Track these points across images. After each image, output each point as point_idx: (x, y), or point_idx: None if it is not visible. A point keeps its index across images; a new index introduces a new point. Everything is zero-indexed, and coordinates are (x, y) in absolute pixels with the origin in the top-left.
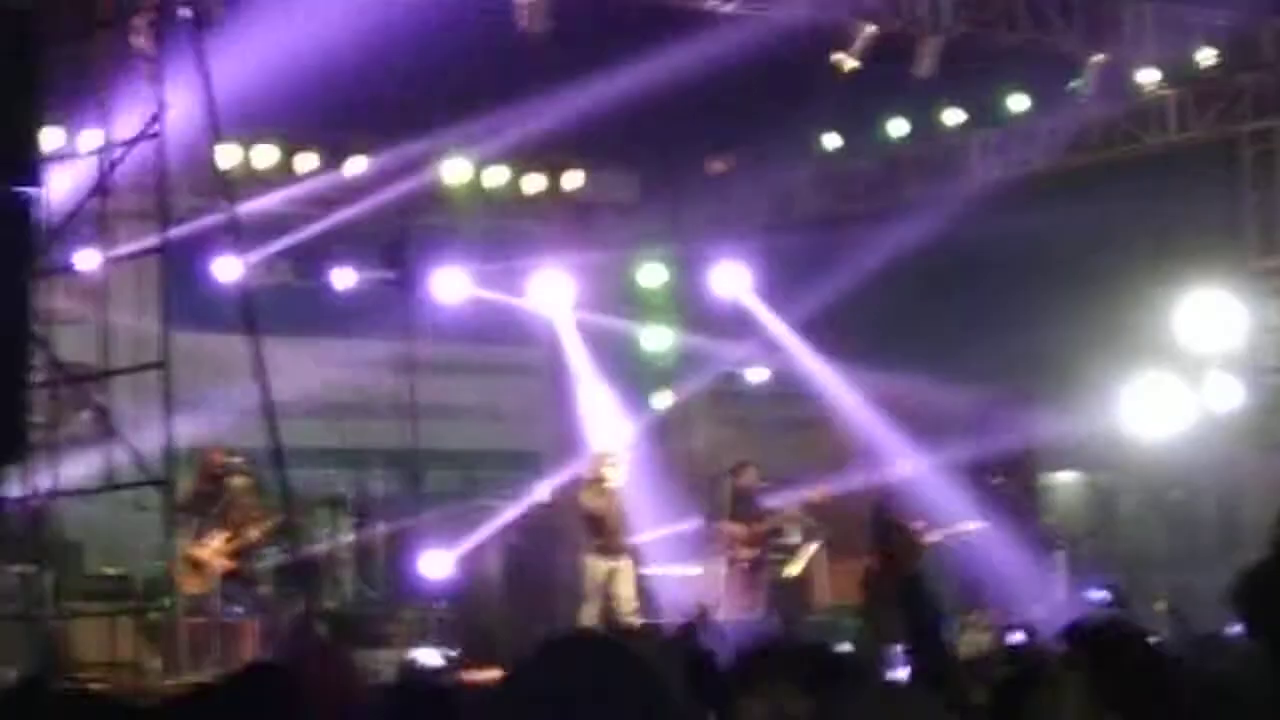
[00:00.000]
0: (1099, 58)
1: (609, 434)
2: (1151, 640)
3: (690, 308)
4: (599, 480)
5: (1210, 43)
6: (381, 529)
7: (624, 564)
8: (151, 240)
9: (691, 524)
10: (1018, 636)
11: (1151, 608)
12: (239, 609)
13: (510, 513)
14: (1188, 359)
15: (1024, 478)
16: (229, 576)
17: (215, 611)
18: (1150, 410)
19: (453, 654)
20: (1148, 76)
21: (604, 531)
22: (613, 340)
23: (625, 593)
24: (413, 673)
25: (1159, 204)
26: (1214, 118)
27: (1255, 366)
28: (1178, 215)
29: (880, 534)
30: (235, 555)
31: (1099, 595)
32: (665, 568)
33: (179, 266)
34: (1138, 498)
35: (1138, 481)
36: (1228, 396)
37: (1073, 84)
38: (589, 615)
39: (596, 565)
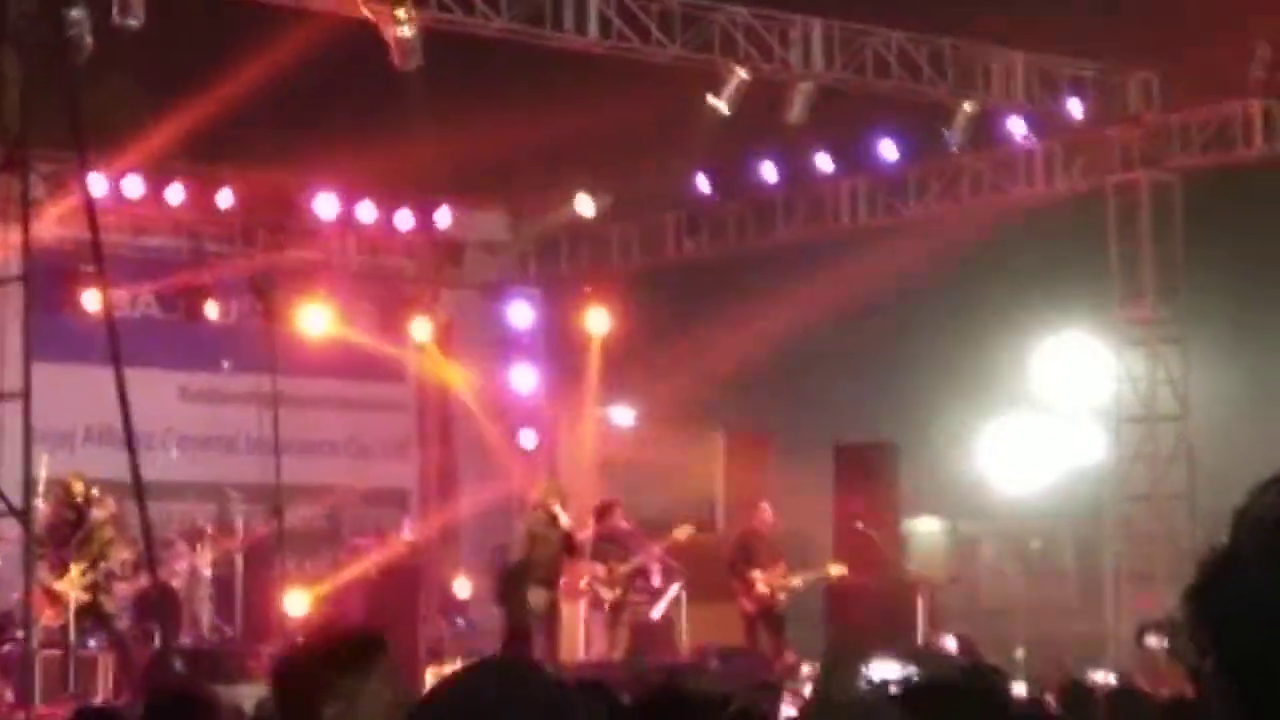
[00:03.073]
0: (969, 106)
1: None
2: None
3: (558, 347)
4: (547, 510)
5: (1078, 94)
6: (241, 563)
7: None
8: (14, 268)
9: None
10: None
11: (1010, 657)
12: (95, 642)
13: (374, 550)
14: (1051, 407)
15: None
16: (86, 609)
17: (71, 644)
18: (1012, 458)
19: None
20: (1016, 126)
21: (542, 562)
22: (480, 377)
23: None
24: (269, 708)
25: (1025, 253)
26: (1081, 169)
27: (1118, 416)
28: (1043, 264)
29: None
30: (92, 588)
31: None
32: None
33: (42, 296)
34: (998, 546)
35: (998, 529)
36: (1090, 446)
37: (943, 132)
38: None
39: (538, 595)
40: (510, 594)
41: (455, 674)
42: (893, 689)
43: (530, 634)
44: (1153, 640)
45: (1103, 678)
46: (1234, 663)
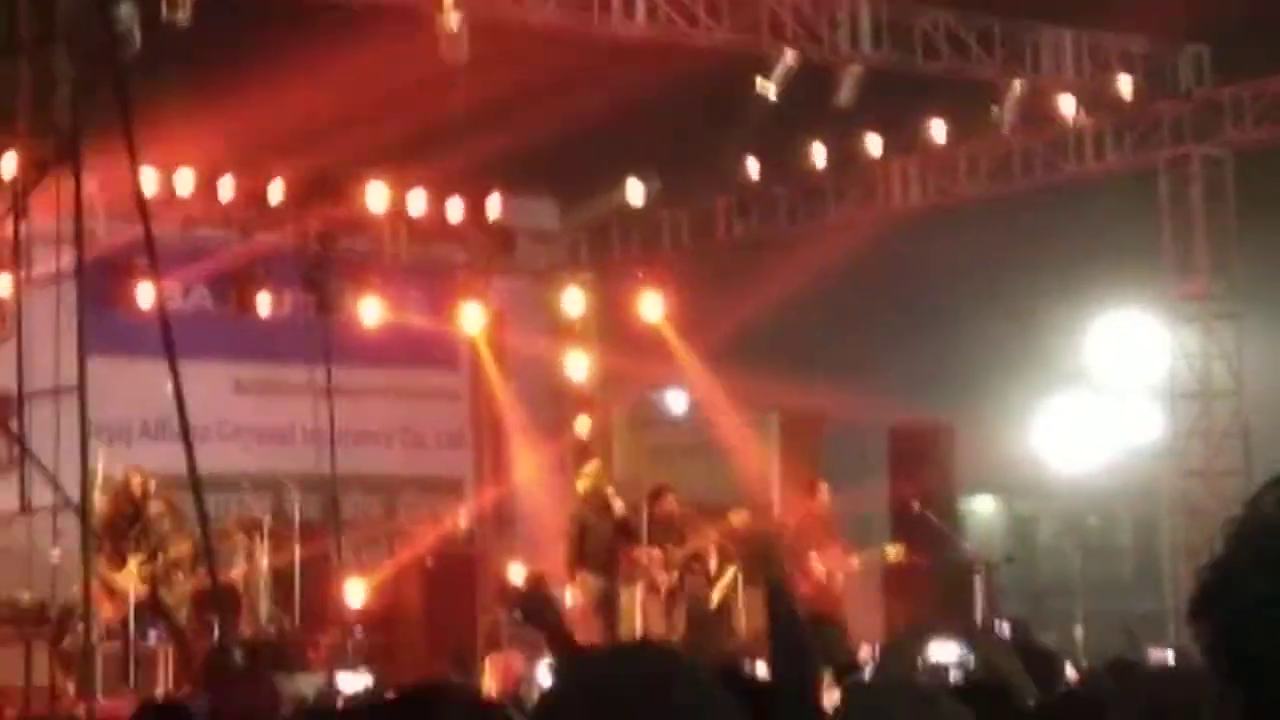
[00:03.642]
0: (1018, 85)
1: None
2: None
3: (611, 333)
4: (600, 496)
5: (1128, 70)
6: (299, 554)
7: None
8: (68, 264)
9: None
10: None
11: (1070, 635)
12: (155, 635)
13: (430, 538)
14: (1106, 385)
15: (942, 503)
16: (145, 602)
17: (131, 637)
18: (1067, 436)
19: (373, 679)
20: (1066, 104)
21: (596, 549)
22: (533, 365)
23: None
24: (330, 696)
25: (1077, 231)
26: (1132, 145)
27: (1173, 393)
28: (1096, 242)
29: None
30: (151, 581)
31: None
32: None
33: (96, 291)
34: (1055, 524)
35: (1055, 508)
36: (1145, 423)
37: (993, 111)
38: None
39: (593, 582)
40: (537, 614)
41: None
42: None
43: (571, 635)
44: None
45: (1162, 655)
46: (1237, 669)
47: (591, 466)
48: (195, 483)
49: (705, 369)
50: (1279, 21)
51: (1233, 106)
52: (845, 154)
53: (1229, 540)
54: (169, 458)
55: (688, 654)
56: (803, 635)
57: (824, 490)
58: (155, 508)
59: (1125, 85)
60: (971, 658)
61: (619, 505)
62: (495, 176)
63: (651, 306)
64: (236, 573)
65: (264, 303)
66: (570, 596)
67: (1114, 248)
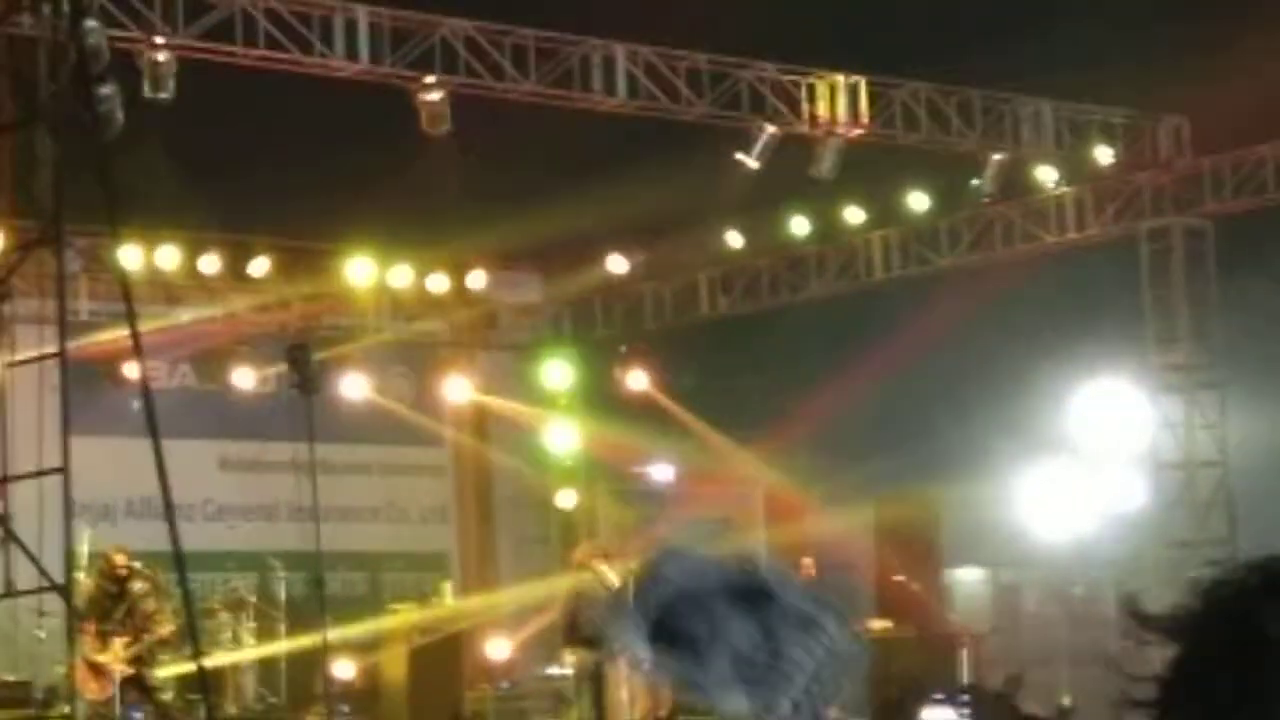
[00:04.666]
0: (999, 156)
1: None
2: None
3: (595, 406)
4: (592, 570)
5: (1108, 141)
6: (284, 631)
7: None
8: (51, 345)
9: None
10: None
11: (1055, 704)
12: (140, 715)
13: (416, 615)
14: (1090, 454)
15: (928, 574)
16: (130, 682)
17: (117, 717)
18: (1052, 505)
19: None
20: (1046, 175)
21: (588, 623)
22: (516, 439)
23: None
24: None
25: (1059, 301)
26: (1112, 215)
27: (1157, 463)
28: (1079, 312)
29: None
30: (136, 660)
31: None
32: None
33: (79, 370)
34: (1040, 594)
35: (1040, 577)
36: (1130, 492)
37: (973, 183)
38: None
39: (585, 657)
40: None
41: None
42: None
43: None
44: None
45: None
46: None
47: (588, 542)
48: (179, 561)
49: (691, 441)
50: (1256, 93)
51: (1212, 177)
52: (826, 225)
53: (1187, 635)
54: (154, 536)
55: None
56: None
57: (809, 564)
58: (140, 587)
59: (1105, 156)
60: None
61: (613, 578)
62: (477, 251)
63: (636, 380)
64: (222, 652)
65: (247, 380)
66: (562, 668)
67: (1097, 317)
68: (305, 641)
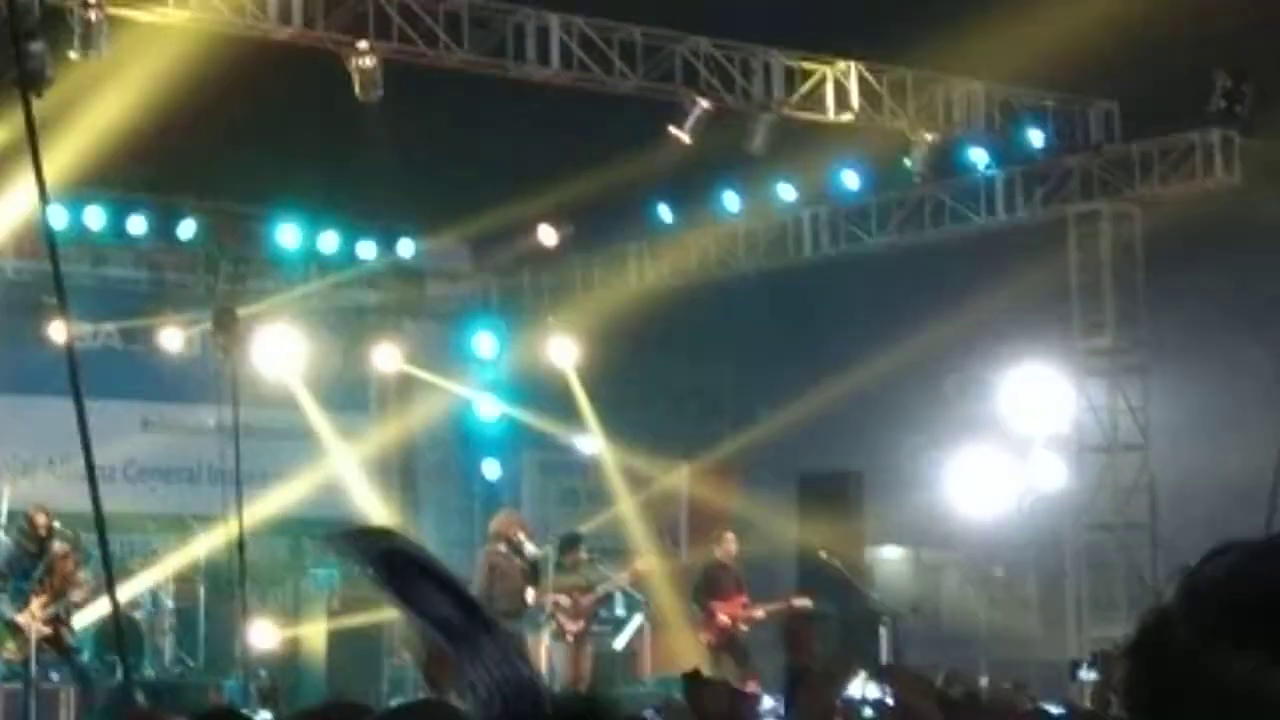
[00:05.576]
0: (930, 136)
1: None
2: None
3: (522, 377)
4: (509, 541)
5: (1039, 123)
6: (203, 596)
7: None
8: None
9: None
10: None
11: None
12: (57, 675)
13: (339, 582)
14: (1013, 437)
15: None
16: (47, 642)
17: (33, 677)
18: (975, 487)
19: None
20: (978, 156)
21: (504, 594)
22: (443, 408)
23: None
24: None
25: (987, 283)
26: (1041, 199)
27: (1080, 446)
28: (1005, 294)
29: None
30: (54, 621)
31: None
32: None
33: (4, 330)
34: (961, 574)
35: (962, 558)
36: (1053, 475)
37: (905, 162)
38: None
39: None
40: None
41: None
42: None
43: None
44: (1084, 674)
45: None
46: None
47: (506, 512)
48: (99, 521)
49: (616, 414)
50: (1187, 78)
51: (1141, 162)
52: (758, 201)
53: (1179, 589)
54: (74, 496)
55: (594, 700)
56: None
57: (731, 539)
58: (60, 547)
59: (1035, 138)
60: (886, 696)
61: (531, 549)
62: (407, 218)
63: (563, 351)
64: (140, 613)
65: (173, 342)
66: None
67: (1023, 300)
68: (223, 606)
